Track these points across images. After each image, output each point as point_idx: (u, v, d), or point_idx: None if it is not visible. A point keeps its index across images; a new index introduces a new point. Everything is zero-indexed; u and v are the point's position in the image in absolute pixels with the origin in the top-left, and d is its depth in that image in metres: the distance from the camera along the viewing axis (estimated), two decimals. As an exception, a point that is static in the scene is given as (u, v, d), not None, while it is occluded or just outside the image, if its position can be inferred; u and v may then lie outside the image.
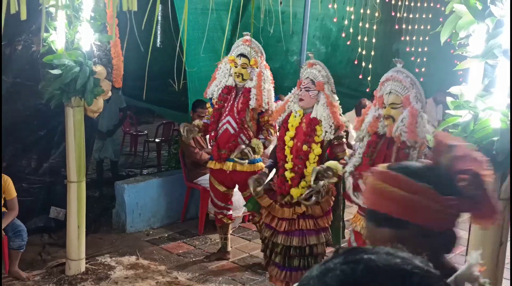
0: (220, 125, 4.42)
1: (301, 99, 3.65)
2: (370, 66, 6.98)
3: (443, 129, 2.23)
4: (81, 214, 4.21)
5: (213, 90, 4.43)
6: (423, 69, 8.27)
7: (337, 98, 3.72)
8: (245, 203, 5.16)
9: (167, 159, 7.83)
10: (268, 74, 4.34)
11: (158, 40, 8.15)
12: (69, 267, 4.27)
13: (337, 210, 3.93)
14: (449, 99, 2.14)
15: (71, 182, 4.12)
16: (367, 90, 7.44)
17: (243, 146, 4.29)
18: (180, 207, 5.76)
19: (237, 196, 5.37)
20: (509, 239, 5.60)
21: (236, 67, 4.32)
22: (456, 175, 1.23)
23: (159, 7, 2.10)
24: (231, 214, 4.77)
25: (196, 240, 5.29)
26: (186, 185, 5.69)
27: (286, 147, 3.72)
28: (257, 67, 4.30)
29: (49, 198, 4.96)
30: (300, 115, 3.70)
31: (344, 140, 3.69)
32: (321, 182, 3.49)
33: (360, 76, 7.11)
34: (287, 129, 3.73)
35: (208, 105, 4.67)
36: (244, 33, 4.44)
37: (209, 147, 5.62)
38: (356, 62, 6.96)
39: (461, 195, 1.21)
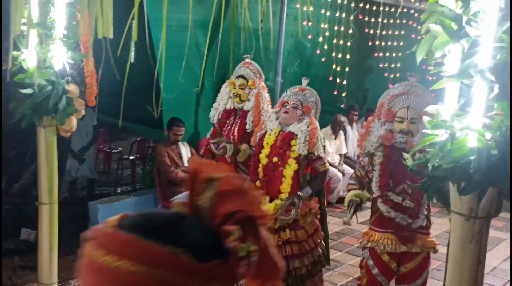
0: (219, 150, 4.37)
1: (285, 112, 3.61)
2: (344, 82, 7.06)
3: (421, 148, 2.23)
4: (53, 236, 4.09)
5: (213, 114, 4.49)
6: (396, 85, 8.36)
7: (318, 126, 3.70)
8: None
9: (141, 177, 7.73)
10: (266, 95, 4.36)
11: (132, 56, 8.09)
12: (40, 291, 4.14)
13: (322, 229, 3.88)
14: (426, 118, 2.14)
15: (43, 204, 4.01)
16: (342, 105, 7.51)
17: (228, 141, 4.21)
18: (155, 226, 5.67)
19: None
20: (509, 238, 5.69)
21: (234, 88, 4.35)
22: (219, 224, 0.83)
23: (136, 34, 2.07)
24: None
25: (172, 260, 5.20)
26: (161, 203, 5.61)
27: (260, 164, 3.69)
28: (255, 88, 4.30)
29: (20, 219, 4.83)
30: (275, 133, 3.68)
31: (322, 154, 3.66)
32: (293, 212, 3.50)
33: (335, 92, 7.17)
34: (262, 147, 3.70)
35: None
36: (245, 56, 4.45)
37: (186, 165, 5.58)
38: (331, 78, 7.03)
39: (233, 256, 0.81)
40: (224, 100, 4.44)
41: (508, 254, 5.79)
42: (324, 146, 3.75)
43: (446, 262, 2.25)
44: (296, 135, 3.60)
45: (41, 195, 4.00)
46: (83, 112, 4.06)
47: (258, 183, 3.67)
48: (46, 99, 3.65)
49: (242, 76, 4.34)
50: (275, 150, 3.64)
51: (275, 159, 3.60)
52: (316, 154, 3.61)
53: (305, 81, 3.77)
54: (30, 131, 4.11)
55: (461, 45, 2.01)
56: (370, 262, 3.42)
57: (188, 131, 5.93)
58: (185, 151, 5.65)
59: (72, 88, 3.80)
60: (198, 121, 6.11)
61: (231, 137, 4.35)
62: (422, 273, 3.40)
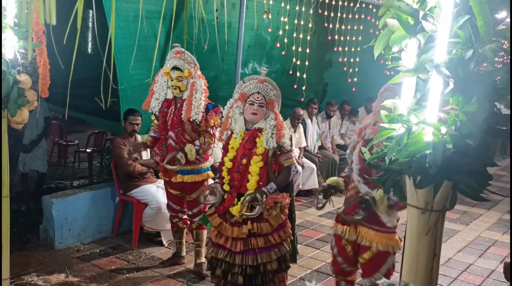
0: (166, 139, 4.48)
1: (254, 114, 3.59)
2: (304, 76, 7.08)
3: (378, 142, 2.24)
4: (5, 231, 3.95)
5: (154, 105, 4.44)
6: (355, 79, 8.47)
7: (281, 118, 3.69)
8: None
9: (99, 170, 7.58)
10: (201, 83, 4.33)
11: (89, 47, 7.90)
12: (-9, 288, 4.00)
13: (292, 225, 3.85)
14: (383, 113, 2.15)
15: (-7, 198, 3.87)
16: (302, 99, 7.54)
17: (176, 152, 4.32)
18: (112, 221, 5.57)
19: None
20: (509, 237, 5.83)
21: (172, 80, 4.32)
22: None
23: (80, 22, 1.99)
24: (186, 218, 4.73)
25: (130, 254, 5.12)
26: (118, 197, 5.50)
27: (224, 168, 3.67)
28: (192, 78, 4.28)
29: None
30: (241, 136, 3.64)
31: (289, 148, 3.64)
32: (257, 207, 3.50)
33: (295, 86, 7.19)
34: (227, 151, 3.68)
35: (152, 117, 4.65)
36: (175, 44, 4.39)
37: (144, 158, 5.49)
38: (291, 72, 7.04)
39: None
40: (164, 90, 4.41)
41: (462, 245, 5.95)
42: (290, 140, 3.73)
43: (403, 254, 2.27)
44: (261, 133, 3.58)
45: (-9, 190, 3.85)
46: (35, 104, 3.93)
47: (226, 186, 3.65)
48: (-4, 90, 3.51)
49: (176, 68, 4.28)
50: (241, 152, 3.61)
51: (244, 161, 3.58)
52: (284, 146, 3.59)
53: (264, 72, 3.72)
54: (-21, 123, 3.95)
55: (418, 40, 2.03)
56: (333, 243, 3.67)
57: (146, 124, 5.83)
58: (143, 144, 5.55)
59: (24, 78, 3.66)
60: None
61: (174, 125, 4.40)
62: (379, 268, 3.42)
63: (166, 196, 4.78)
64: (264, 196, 3.52)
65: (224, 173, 3.65)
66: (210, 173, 4.61)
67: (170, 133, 4.43)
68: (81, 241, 5.29)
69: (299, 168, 7.36)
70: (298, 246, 5.46)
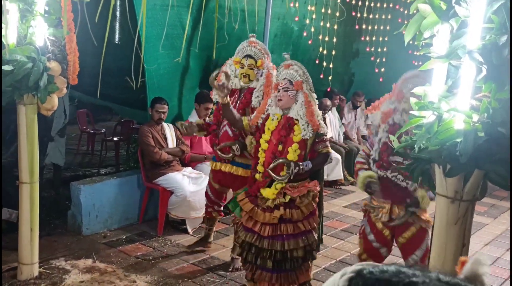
0: (221, 127, 4.41)
1: (279, 100, 3.60)
2: (331, 65, 7.02)
3: (407, 130, 2.21)
4: (34, 216, 4.04)
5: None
6: (382, 69, 8.37)
7: (315, 96, 3.67)
8: (202, 204, 5.19)
9: (125, 159, 7.66)
10: (275, 75, 4.30)
11: (116, 36, 7.95)
12: (21, 271, 4.09)
13: (319, 214, 3.87)
14: (413, 100, 2.12)
15: (24, 183, 3.95)
16: (328, 89, 7.48)
17: (232, 143, 4.24)
18: (138, 208, 5.63)
19: (197, 197, 5.30)
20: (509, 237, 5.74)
21: (242, 68, 4.27)
22: None
23: (114, 0, 2.00)
24: (221, 210, 4.75)
25: (155, 241, 5.17)
26: (144, 185, 5.56)
27: (260, 149, 3.68)
28: (263, 69, 4.26)
29: (1, 199, 4.75)
30: (277, 118, 3.66)
31: (325, 137, 3.64)
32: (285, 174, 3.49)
33: (321, 76, 7.13)
34: (263, 132, 3.69)
35: (213, 105, 4.65)
36: (250, 34, 4.38)
37: (170, 146, 5.52)
38: (317, 62, 6.98)
39: None
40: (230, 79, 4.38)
41: (490, 238, 5.86)
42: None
43: (431, 243, 2.24)
44: (297, 120, 3.58)
45: (22, 174, 3.94)
46: (65, 91, 3.99)
47: (260, 167, 3.66)
48: (27, 76, 3.57)
49: (250, 56, 4.25)
50: (276, 136, 3.62)
51: (280, 147, 3.59)
52: (323, 134, 3.59)
53: (287, 56, 3.73)
54: (10, 109, 4.03)
55: (450, 26, 1.99)
56: (367, 229, 3.61)
57: (172, 112, 5.87)
58: (170, 132, 5.59)
59: (54, 65, 3.72)
60: (182, 102, 6.05)
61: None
62: (420, 244, 3.46)
63: (208, 186, 4.75)
64: (297, 168, 3.50)
65: (260, 154, 3.67)
66: None
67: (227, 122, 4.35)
68: (107, 227, 5.36)
69: (337, 156, 7.33)
70: (323, 236, 5.47)
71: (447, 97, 2.02)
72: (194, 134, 4.73)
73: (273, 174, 3.51)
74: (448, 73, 2.07)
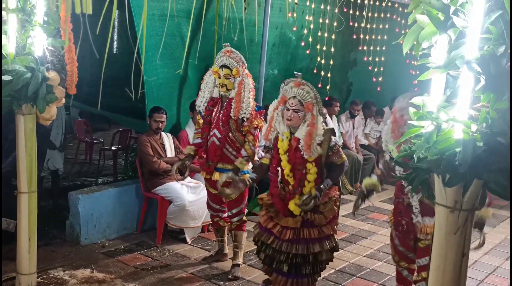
0: (208, 137, 4.54)
1: (289, 120, 3.68)
2: (329, 75, 7.04)
3: (406, 139, 2.22)
4: (32, 226, 4.02)
5: (200, 103, 4.53)
6: (380, 79, 8.40)
7: (321, 120, 3.73)
8: (201, 214, 5.28)
9: (123, 168, 7.65)
10: (249, 82, 4.42)
11: (115, 46, 7.98)
12: (19, 281, 4.06)
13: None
14: (411, 110, 2.13)
15: (22, 193, 3.93)
16: (326, 99, 7.50)
17: (225, 176, 4.14)
18: (136, 218, 5.62)
19: (196, 207, 5.30)
20: (509, 238, 5.74)
21: (219, 78, 4.39)
22: None
23: (115, 12, 2.01)
24: (227, 217, 4.74)
25: (154, 251, 5.16)
26: (143, 194, 5.55)
27: (284, 172, 3.76)
28: (239, 76, 4.35)
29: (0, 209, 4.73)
30: (287, 138, 3.73)
31: (337, 146, 3.73)
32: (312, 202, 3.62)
33: (319, 85, 7.14)
34: (280, 155, 3.76)
35: (198, 116, 4.74)
36: (225, 44, 4.47)
37: (169, 156, 5.52)
38: (315, 71, 7.00)
39: None
40: (209, 88, 4.48)
41: (489, 248, 5.85)
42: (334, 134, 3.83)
43: (430, 253, 2.24)
44: (299, 140, 3.68)
45: (20, 184, 3.92)
46: (63, 101, 3.98)
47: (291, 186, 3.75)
48: (26, 86, 3.56)
49: (225, 66, 4.37)
50: (293, 160, 3.71)
51: (300, 168, 3.68)
52: (334, 147, 3.69)
53: (299, 76, 3.76)
54: (9, 119, 4.02)
55: (448, 36, 2.00)
56: (394, 233, 3.90)
57: (171, 122, 5.87)
58: (168, 141, 5.59)
59: (53, 75, 3.71)
60: (181, 112, 6.05)
61: (219, 123, 4.45)
62: None
63: (207, 194, 4.81)
64: (322, 193, 3.67)
65: (286, 174, 3.74)
66: (249, 176, 4.57)
67: (215, 131, 4.48)
68: (106, 237, 5.34)
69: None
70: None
71: (445, 107, 2.02)
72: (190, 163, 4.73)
73: (302, 207, 3.64)
74: (446, 83, 2.08)
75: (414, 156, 2.11)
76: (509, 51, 1.85)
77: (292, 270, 3.71)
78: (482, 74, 1.90)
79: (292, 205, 3.69)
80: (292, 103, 3.66)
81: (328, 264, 3.91)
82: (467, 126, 1.93)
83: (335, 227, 3.83)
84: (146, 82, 5.27)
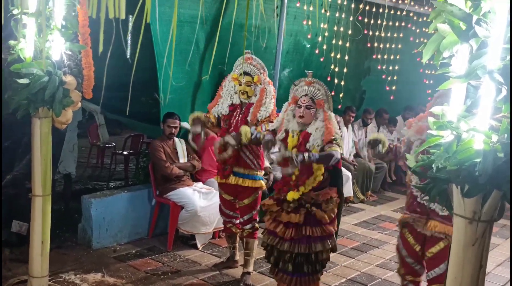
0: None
1: (301, 117, 3.73)
2: (342, 83, 7.03)
3: (425, 149, 2.20)
4: (45, 229, 4.03)
5: (221, 109, 4.52)
6: (393, 87, 8.36)
7: (333, 115, 3.79)
8: (212, 220, 5.31)
9: (134, 173, 7.67)
10: (271, 89, 4.43)
11: (129, 51, 8.01)
12: (31, 284, 4.07)
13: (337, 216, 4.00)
14: (431, 119, 2.11)
15: (36, 196, 3.95)
16: (339, 107, 7.48)
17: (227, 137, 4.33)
18: (148, 223, 5.63)
19: (207, 212, 5.29)
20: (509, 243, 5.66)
21: (240, 85, 4.40)
22: None
23: (147, 18, 2.02)
24: (239, 224, 4.74)
25: (165, 256, 5.16)
26: (155, 199, 5.55)
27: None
28: (260, 84, 4.38)
29: (12, 211, 4.75)
30: (297, 135, 3.79)
31: (335, 142, 3.67)
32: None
33: (333, 93, 7.12)
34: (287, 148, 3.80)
35: (213, 119, 4.65)
36: (246, 51, 4.48)
37: (181, 161, 5.53)
38: (329, 79, 6.99)
39: None
40: (231, 95, 4.49)
41: (502, 259, 5.79)
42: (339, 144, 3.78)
43: (448, 264, 2.22)
44: (311, 134, 3.72)
45: (35, 187, 3.94)
46: (79, 104, 4.00)
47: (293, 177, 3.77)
48: (43, 90, 3.59)
49: (246, 73, 4.37)
50: (300, 151, 3.72)
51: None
52: (332, 141, 3.67)
53: (310, 74, 3.84)
54: (24, 122, 4.04)
55: (470, 46, 1.98)
56: (400, 244, 3.79)
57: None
58: (181, 147, 5.60)
59: (69, 79, 3.74)
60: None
61: (238, 127, 4.43)
62: (444, 259, 3.51)
63: (220, 200, 4.79)
64: (301, 157, 3.52)
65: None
66: (263, 183, 4.61)
67: (232, 134, 4.43)
68: (117, 242, 5.35)
69: (347, 172, 7.30)
70: (333, 254, 5.42)
71: (466, 117, 2.00)
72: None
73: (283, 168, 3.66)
74: (467, 93, 2.06)
75: (433, 165, 2.09)
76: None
77: (295, 268, 3.77)
78: (504, 84, 1.88)
79: (290, 195, 3.73)
80: (304, 100, 3.73)
81: (326, 263, 3.94)
82: (488, 136, 1.91)
83: (335, 229, 3.87)
84: (161, 87, 5.29)
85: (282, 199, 3.82)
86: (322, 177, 3.72)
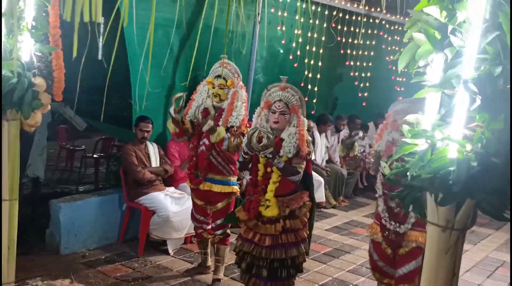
0: (198, 147, 4.50)
1: (276, 122, 3.73)
2: (315, 89, 7.06)
3: (400, 157, 2.21)
4: (12, 234, 3.91)
5: (193, 112, 4.47)
6: (365, 94, 8.45)
7: (306, 120, 3.82)
8: (184, 225, 5.22)
9: (105, 176, 7.56)
10: (243, 94, 4.43)
11: (100, 54, 7.90)
12: (-4, 291, 3.97)
13: (309, 221, 4.01)
14: (405, 127, 2.12)
15: (3, 200, 3.84)
16: (313, 112, 7.51)
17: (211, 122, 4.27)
18: (118, 228, 5.54)
19: (179, 218, 5.23)
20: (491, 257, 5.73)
21: (213, 88, 4.38)
22: None
23: (124, 21, 1.98)
24: (210, 229, 4.68)
25: (135, 262, 5.08)
26: (126, 204, 5.47)
27: (259, 172, 3.81)
28: (233, 88, 4.37)
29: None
30: None
31: (304, 155, 3.71)
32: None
33: (306, 99, 7.15)
34: (259, 157, 3.77)
35: (188, 125, 4.62)
36: (222, 55, 4.45)
37: (154, 166, 5.46)
38: (302, 85, 7.02)
39: None
40: (203, 98, 4.47)
41: (471, 265, 5.89)
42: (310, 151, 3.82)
43: (420, 272, 2.23)
44: (284, 140, 3.70)
45: (2, 191, 3.83)
46: (49, 107, 3.91)
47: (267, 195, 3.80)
48: (11, 92, 3.49)
49: (220, 76, 4.36)
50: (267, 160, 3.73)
51: (268, 169, 3.75)
52: (301, 152, 3.69)
53: (284, 79, 3.84)
54: (-8, 124, 3.93)
55: (445, 55, 2.00)
56: (371, 248, 3.80)
57: (156, 131, 5.82)
58: (153, 151, 5.54)
59: (39, 81, 3.64)
60: (167, 121, 6.00)
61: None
62: (412, 260, 3.54)
63: (192, 205, 4.76)
64: (271, 158, 3.61)
65: (260, 178, 3.81)
66: (237, 188, 4.60)
67: (204, 140, 4.45)
68: (86, 247, 5.25)
69: (320, 178, 7.34)
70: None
71: (440, 126, 2.02)
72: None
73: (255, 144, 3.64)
74: (441, 101, 2.08)
75: (407, 173, 2.10)
76: (506, 72, 1.86)
77: (271, 274, 3.77)
78: (478, 94, 1.90)
79: (269, 212, 3.73)
80: (278, 106, 3.73)
81: (301, 267, 3.94)
82: (462, 145, 1.93)
83: (307, 232, 3.90)
84: (133, 91, 5.22)
85: (258, 213, 3.80)
86: (278, 183, 3.72)
